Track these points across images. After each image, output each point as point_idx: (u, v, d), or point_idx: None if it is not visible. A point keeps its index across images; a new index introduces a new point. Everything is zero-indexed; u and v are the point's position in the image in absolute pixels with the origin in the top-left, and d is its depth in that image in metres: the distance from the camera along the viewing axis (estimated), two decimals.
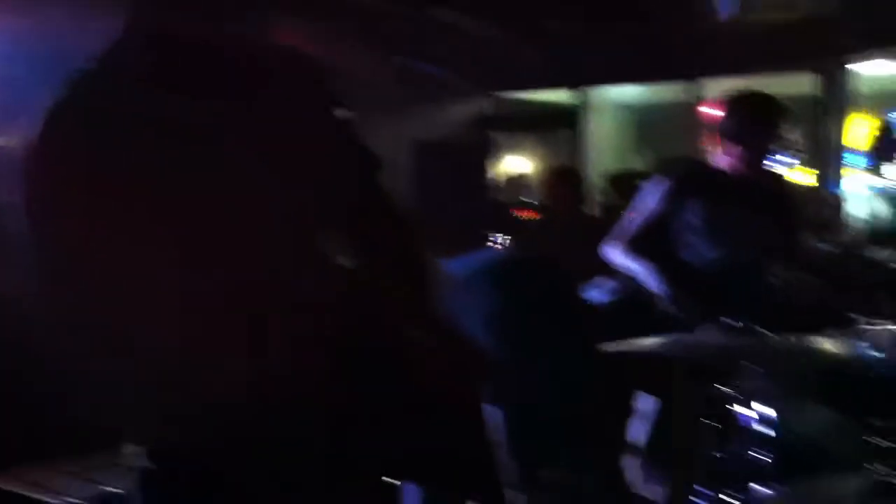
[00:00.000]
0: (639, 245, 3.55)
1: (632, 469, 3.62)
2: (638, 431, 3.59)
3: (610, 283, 3.78)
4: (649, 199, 3.61)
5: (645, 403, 3.57)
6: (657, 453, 3.49)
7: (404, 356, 1.44)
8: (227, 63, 1.43)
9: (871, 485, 1.81)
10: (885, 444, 1.86)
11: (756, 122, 3.48)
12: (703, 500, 2.38)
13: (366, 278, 1.46)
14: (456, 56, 8.17)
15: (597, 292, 3.82)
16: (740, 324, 2.44)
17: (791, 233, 3.68)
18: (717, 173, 3.55)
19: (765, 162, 3.58)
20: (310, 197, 1.41)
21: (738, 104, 3.56)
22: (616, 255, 3.62)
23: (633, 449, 3.61)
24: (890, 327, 2.87)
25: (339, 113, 1.50)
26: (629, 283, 3.61)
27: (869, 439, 1.87)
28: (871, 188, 6.90)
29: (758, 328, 2.45)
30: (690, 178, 3.61)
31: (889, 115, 6.84)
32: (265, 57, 1.48)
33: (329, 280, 1.44)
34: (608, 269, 4.55)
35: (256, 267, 1.37)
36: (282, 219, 1.38)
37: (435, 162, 5.94)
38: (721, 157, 3.55)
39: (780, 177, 3.89)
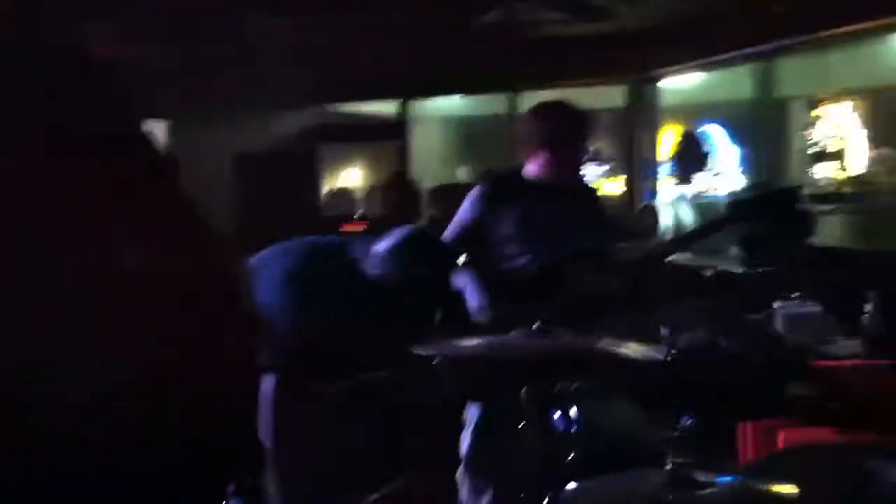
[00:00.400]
0: (453, 250, 3.63)
1: (461, 481, 3.69)
2: (463, 440, 3.66)
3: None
4: (464, 209, 3.71)
5: (471, 412, 3.64)
6: (480, 460, 3.56)
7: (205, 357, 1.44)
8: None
9: (670, 477, 1.90)
10: (681, 436, 1.96)
11: (563, 131, 3.62)
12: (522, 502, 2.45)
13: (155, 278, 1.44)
14: (281, 66, 8.11)
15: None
16: (550, 326, 2.51)
17: (600, 239, 3.84)
18: (528, 181, 3.67)
19: (573, 169, 3.73)
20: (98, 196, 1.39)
21: (546, 114, 3.69)
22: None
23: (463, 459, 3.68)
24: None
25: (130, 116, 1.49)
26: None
27: (669, 434, 1.97)
28: (681, 196, 7.27)
29: (567, 330, 2.54)
30: (501, 186, 3.71)
31: (696, 126, 7.24)
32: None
33: (117, 280, 1.41)
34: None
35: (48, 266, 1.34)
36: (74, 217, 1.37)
37: (258, 175, 5.86)
38: (532, 165, 3.67)
39: (589, 184, 4.07)
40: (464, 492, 3.66)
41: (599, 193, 4.08)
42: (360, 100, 9.15)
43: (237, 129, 7.19)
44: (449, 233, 3.74)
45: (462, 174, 9.26)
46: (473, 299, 3.50)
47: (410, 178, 6.88)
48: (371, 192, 8.35)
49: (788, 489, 1.90)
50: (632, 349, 2.34)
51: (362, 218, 7.25)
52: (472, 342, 2.80)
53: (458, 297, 3.53)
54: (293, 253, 3.38)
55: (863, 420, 3.37)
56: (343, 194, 9.10)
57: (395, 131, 9.00)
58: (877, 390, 3.56)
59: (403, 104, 8.87)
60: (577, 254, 3.65)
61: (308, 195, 6.23)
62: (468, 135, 10.31)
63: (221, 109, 7.01)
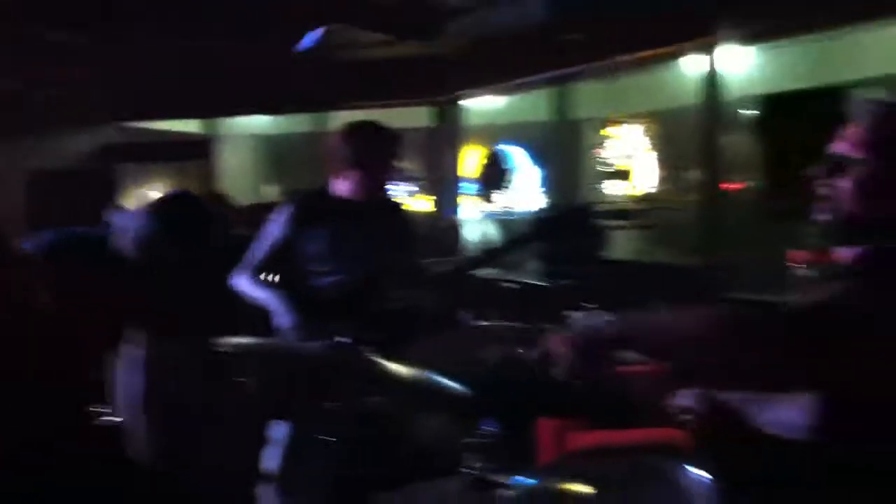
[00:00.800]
0: (262, 273, 3.66)
1: (266, 498, 3.66)
2: (271, 458, 3.64)
3: None
4: (272, 228, 3.71)
5: (277, 430, 3.63)
6: (289, 478, 3.55)
7: None
8: None
9: (470, 482, 1.99)
10: (482, 443, 2.05)
11: (372, 151, 3.69)
12: None
13: None
14: (79, 82, 7.83)
15: None
16: (349, 341, 2.54)
17: (408, 255, 3.92)
18: (336, 200, 3.71)
19: (381, 188, 3.80)
20: None
21: (354, 133, 3.75)
22: (242, 283, 3.68)
23: (268, 477, 3.65)
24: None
25: None
26: None
27: (468, 441, 2.05)
28: (485, 214, 7.51)
29: (362, 346, 2.59)
30: (310, 205, 3.74)
31: (497, 146, 7.49)
32: None
33: None
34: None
35: None
36: None
37: (54, 192, 5.62)
38: (341, 183, 3.71)
39: (396, 202, 4.14)
40: None
41: (406, 211, 4.15)
42: (166, 118, 8.96)
43: (34, 145, 6.89)
44: (256, 251, 3.73)
45: (270, 193, 9.20)
46: (284, 320, 3.49)
47: (224, 198, 6.79)
48: None
49: (584, 489, 2.01)
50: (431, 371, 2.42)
51: None
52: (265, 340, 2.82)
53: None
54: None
55: (649, 422, 3.62)
56: None
57: (201, 149, 8.84)
58: (661, 395, 3.83)
59: (210, 122, 8.74)
60: (386, 270, 3.72)
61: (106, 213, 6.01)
62: (276, 153, 10.25)
63: (17, 125, 6.70)
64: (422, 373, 2.40)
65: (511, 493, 1.97)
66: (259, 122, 9.68)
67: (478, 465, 2.00)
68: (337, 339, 2.40)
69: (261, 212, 6.33)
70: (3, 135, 6.51)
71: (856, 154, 1.77)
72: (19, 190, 5.22)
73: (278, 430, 3.61)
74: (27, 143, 6.81)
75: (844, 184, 1.77)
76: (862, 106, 1.84)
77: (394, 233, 3.86)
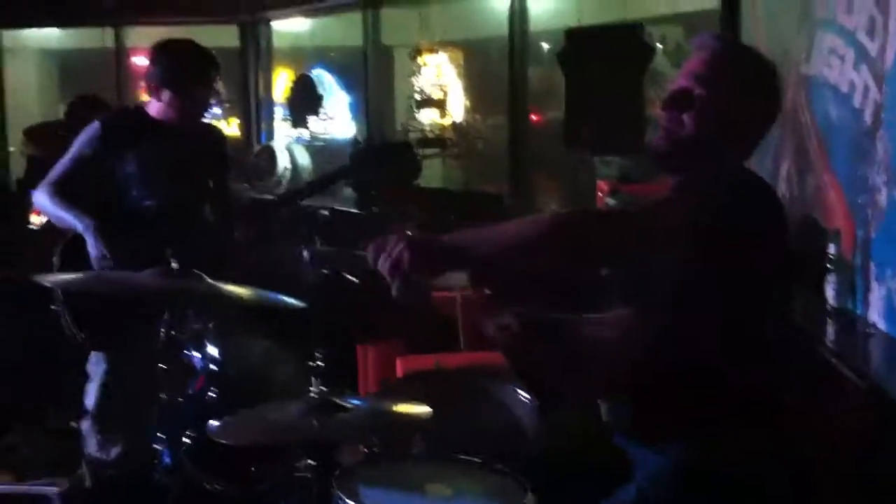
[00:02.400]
0: (64, 188, 3.43)
1: (87, 433, 3.56)
2: (90, 394, 3.53)
3: None
4: (79, 144, 3.51)
5: (95, 364, 3.52)
6: (108, 412, 3.46)
7: None
8: None
9: (312, 403, 2.02)
10: (317, 367, 2.08)
11: (190, 72, 3.55)
12: (164, 446, 2.45)
13: None
14: None
15: None
16: (176, 267, 2.50)
17: (221, 179, 3.84)
18: (149, 121, 3.56)
19: (199, 112, 3.68)
20: None
21: (168, 52, 3.59)
22: (42, 198, 3.46)
23: (87, 413, 3.55)
24: None
25: None
26: None
27: (309, 364, 2.08)
28: (296, 139, 7.41)
29: (193, 271, 2.55)
30: (121, 125, 3.57)
31: (311, 70, 7.36)
32: None
33: None
34: None
35: None
36: None
37: None
38: (153, 104, 3.56)
39: (212, 126, 4.03)
40: (91, 445, 3.54)
41: (221, 134, 4.03)
42: None
43: None
44: (61, 168, 3.52)
45: (61, 111, 8.68)
46: (93, 248, 3.29)
47: None
48: None
49: (420, 408, 2.09)
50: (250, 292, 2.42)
51: None
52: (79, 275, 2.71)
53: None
54: None
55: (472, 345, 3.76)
56: None
57: None
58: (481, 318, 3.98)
59: None
60: (202, 194, 3.64)
61: None
62: (66, 69, 9.67)
63: None
64: (257, 291, 2.40)
65: (353, 413, 2.02)
66: (50, 36, 9.07)
67: (316, 388, 2.03)
68: (170, 264, 2.35)
69: (51, 132, 6.03)
70: None
71: (697, 88, 1.88)
72: None
73: (97, 365, 3.50)
74: None
75: (686, 117, 1.88)
76: (703, 41, 1.94)
77: (210, 157, 3.76)
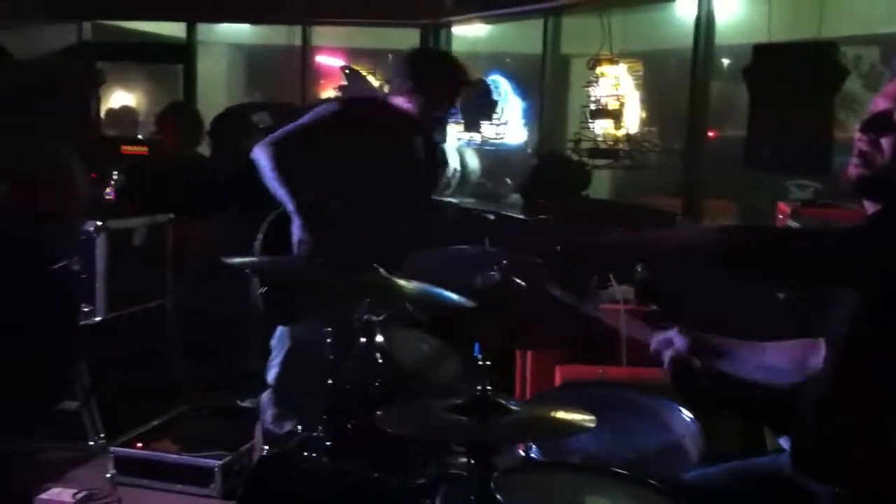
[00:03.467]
0: (286, 152, 3.44)
1: (265, 406, 3.71)
2: (272, 369, 3.68)
3: None
4: (309, 113, 3.60)
5: (279, 339, 3.66)
6: (286, 387, 3.59)
7: None
8: None
9: (476, 401, 2.01)
10: (487, 365, 2.08)
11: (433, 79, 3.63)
12: (329, 429, 2.51)
13: None
14: None
15: None
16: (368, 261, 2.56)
17: (427, 184, 3.90)
18: (392, 113, 3.63)
19: (437, 113, 3.75)
20: None
21: (421, 59, 3.75)
22: (263, 157, 3.47)
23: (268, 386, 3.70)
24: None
25: None
26: None
27: (476, 362, 2.08)
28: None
29: (371, 265, 2.61)
30: (361, 111, 3.67)
31: (488, 76, 7.41)
32: None
33: None
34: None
35: None
36: None
37: (31, 86, 5.50)
38: (397, 99, 3.64)
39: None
40: (267, 417, 3.68)
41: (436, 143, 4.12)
42: (144, 19, 8.74)
43: (13, 37, 6.71)
44: (289, 131, 3.55)
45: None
46: (297, 231, 3.36)
47: (190, 108, 6.67)
48: (152, 116, 8.02)
49: (584, 416, 2.05)
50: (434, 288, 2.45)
51: (144, 142, 6.96)
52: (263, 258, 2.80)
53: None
54: None
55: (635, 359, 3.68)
56: (123, 115, 8.69)
57: (179, 54, 8.65)
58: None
59: (189, 27, 8.54)
60: (409, 194, 3.71)
61: (85, 112, 5.92)
62: (254, 63, 10.08)
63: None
64: (426, 287, 2.43)
65: (516, 414, 2.00)
66: (241, 31, 9.48)
67: (481, 386, 2.03)
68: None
69: (239, 120, 6.30)
70: None
71: None
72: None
73: (280, 341, 3.63)
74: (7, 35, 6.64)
75: (884, 141, 1.79)
76: None
77: (426, 158, 3.85)
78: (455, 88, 3.71)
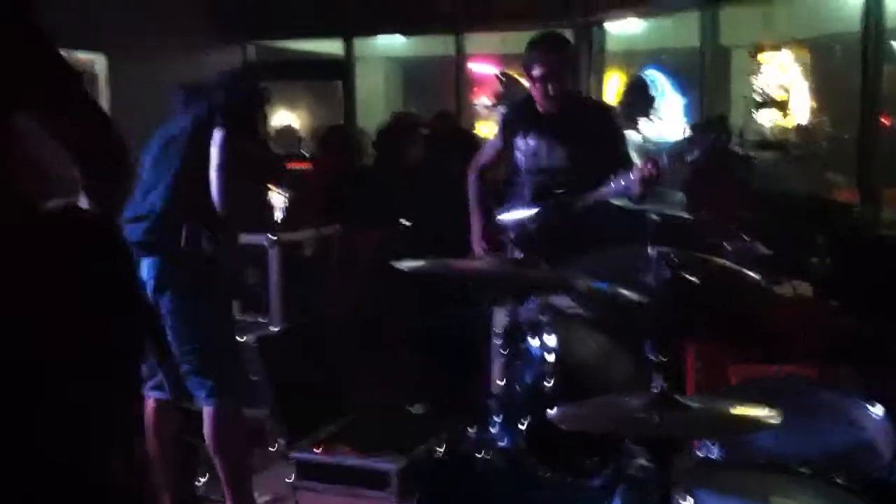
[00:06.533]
0: (483, 174, 4.12)
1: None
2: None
3: None
4: (496, 133, 4.07)
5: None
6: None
7: None
8: None
9: (656, 399, 1.98)
10: (660, 360, 2.04)
11: (546, 62, 3.83)
12: (502, 429, 2.52)
13: None
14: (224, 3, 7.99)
15: None
16: (521, 255, 2.56)
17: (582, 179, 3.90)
18: (532, 110, 3.86)
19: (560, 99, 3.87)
20: None
21: (536, 45, 3.88)
22: (471, 180, 4.16)
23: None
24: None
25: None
26: None
27: (652, 359, 2.04)
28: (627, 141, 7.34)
29: (536, 259, 2.61)
30: (513, 116, 3.99)
31: (643, 71, 7.29)
32: None
33: None
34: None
35: None
36: None
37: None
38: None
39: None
40: None
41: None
42: (303, 37, 9.04)
43: (178, 61, 7.08)
44: (483, 152, 4.26)
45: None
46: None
47: (347, 131, 6.89)
48: (313, 133, 8.29)
49: (769, 413, 1.98)
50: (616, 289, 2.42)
51: (308, 158, 7.20)
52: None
53: None
54: None
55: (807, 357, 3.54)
56: (288, 133, 9.01)
57: (337, 70, 8.90)
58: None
59: (347, 43, 8.77)
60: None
61: (255, 131, 6.15)
62: (410, 76, 10.25)
63: (158, 42, 6.88)
64: (598, 283, 2.41)
65: (697, 412, 1.96)
66: (396, 44, 9.66)
67: (660, 384, 1.99)
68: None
69: (400, 133, 6.41)
70: (150, 51, 6.73)
71: None
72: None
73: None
74: (172, 58, 7.01)
75: None
76: None
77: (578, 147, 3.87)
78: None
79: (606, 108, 4.34)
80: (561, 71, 3.77)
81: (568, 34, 7.79)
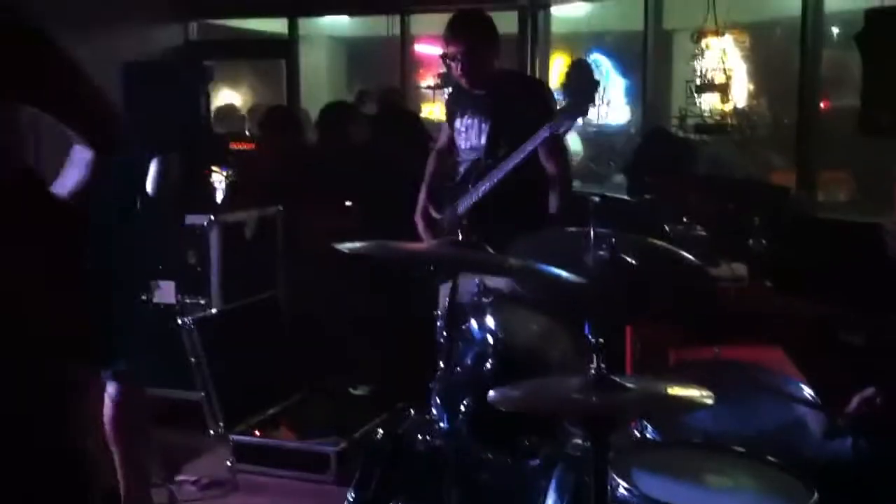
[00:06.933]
0: (441, 157, 4.24)
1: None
2: None
3: None
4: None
5: None
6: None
7: None
8: None
9: (592, 379, 1.99)
10: (598, 341, 2.04)
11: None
12: (442, 412, 2.51)
13: None
14: None
15: None
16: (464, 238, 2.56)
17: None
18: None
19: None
20: None
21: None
22: (428, 161, 4.26)
23: None
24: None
25: None
26: None
27: (590, 340, 2.05)
28: None
29: (479, 242, 2.61)
30: (453, 95, 4.15)
31: (589, 55, 7.32)
32: None
33: None
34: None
35: None
36: None
37: (147, 84, 5.68)
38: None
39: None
40: None
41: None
42: (246, 16, 8.92)
43: (125, 37, 6.95)
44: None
45: (348, 95, 9.18)
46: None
47: (288, 110, 6.82)
48: (256, 112, 8.19)
49: (703, 394, 2.01)
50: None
51: (251, 138, 7.12)
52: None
53: None
54: None
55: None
56: (230, 112, 8.90)
57: (281, 49, 8.80)
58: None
59: (291, 22, 8.67)
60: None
61: (197, 110, 6.07)
62: (354, 55, 10.18)
63: (102, 18, 6.74)
64: (536, 264, 2.42)
65: (634, 392, 1.97)
66: (341, 23, 9.59)
67: (596, 364, 2.00)
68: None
69: (340, 113, 6.36)
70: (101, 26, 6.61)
71: None
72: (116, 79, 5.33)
73: None
74: (117, 35, 6.87)
75: None
76: None
77: None
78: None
79: (533, 82, 4.36)
80: (467, 51, 3.75)
81: (513, 17, 7.83)
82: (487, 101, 3.83)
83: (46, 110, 1.82)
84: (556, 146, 3.78)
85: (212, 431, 4.57)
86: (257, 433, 4.51)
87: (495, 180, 3.66)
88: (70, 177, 1.95)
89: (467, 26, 3.88)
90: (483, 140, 3.80)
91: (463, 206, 3.81)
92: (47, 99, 1.81)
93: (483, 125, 3.83)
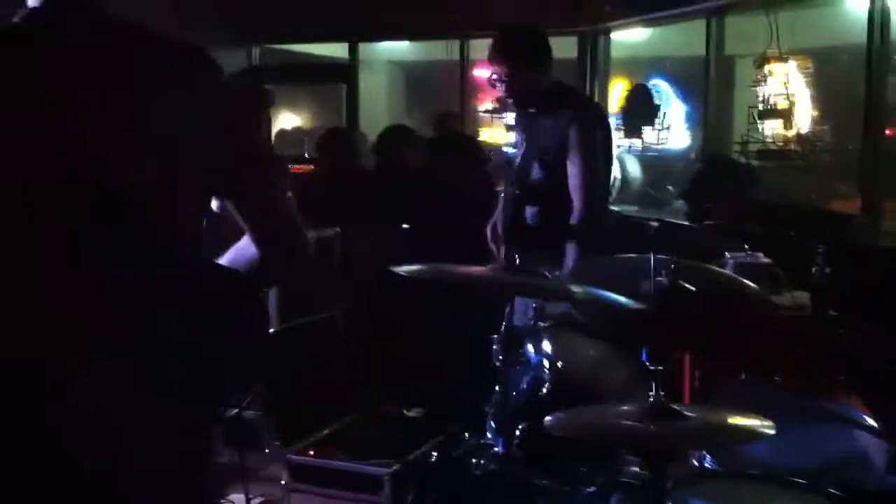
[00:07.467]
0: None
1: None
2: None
3: None
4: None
5: None
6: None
7: None
8: None
9: (650, 407, 1.97)
10: (656, 368, 2.02)
11: None
12: (497, 435, 2.51)
13: None
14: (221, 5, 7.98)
15: None
16: (518, 261, 2.56)
17: None
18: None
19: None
20: None
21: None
22: None
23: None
24: None
25: None
26: None
27: (648, 368, 2.03)
28: (628, 148, 7.35)
29: (536, 268, 2.60)
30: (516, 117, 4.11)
31: (649, 80, 7.28)
32: None
33: None
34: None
35: None
36: None
37: None
38: None
39: None
40: None
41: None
42: (308, 41, 9.04)
43: None
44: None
45: (407, 119, 9.24)
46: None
47: (346, 132, 6.87)
48: (316, 135, 8.29)
49: (766, 422, 1.97)
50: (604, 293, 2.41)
51: (311, 160, 7.19)
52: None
53: None
54: None
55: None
56: (291, 135, 9.01)
57: (341, 73, 8.90)
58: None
59: (351, 46, 8.77)
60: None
61: (259, 133, 6.15)
62: (414, 80, 10.25)
63: None
64: (594, 290, 2.40)
65: (691, 420, 1.95)
66: (400, 48, 9.67)
67: (655, 392, 1.98)
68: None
69: (398, 137, 6.41)
70: None
71: None
72: None
73: None
74: None
75: None
76: None
77: None
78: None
79: (582, 102, 4.25)
80: (510, 71, 3.74)
81: (573, 42, 7.83)
82: (529, 119, 3.84)
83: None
84: (585, 142, 3.71)
85: (266, 450, 4.58)
86: (311, 453, 4.52)
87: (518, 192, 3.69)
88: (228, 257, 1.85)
89: (508, 46, 3.87)
90: (524, 159, 3.82)
91: (500, 223, 3.82)
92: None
93: (524, 143, 3.86)
